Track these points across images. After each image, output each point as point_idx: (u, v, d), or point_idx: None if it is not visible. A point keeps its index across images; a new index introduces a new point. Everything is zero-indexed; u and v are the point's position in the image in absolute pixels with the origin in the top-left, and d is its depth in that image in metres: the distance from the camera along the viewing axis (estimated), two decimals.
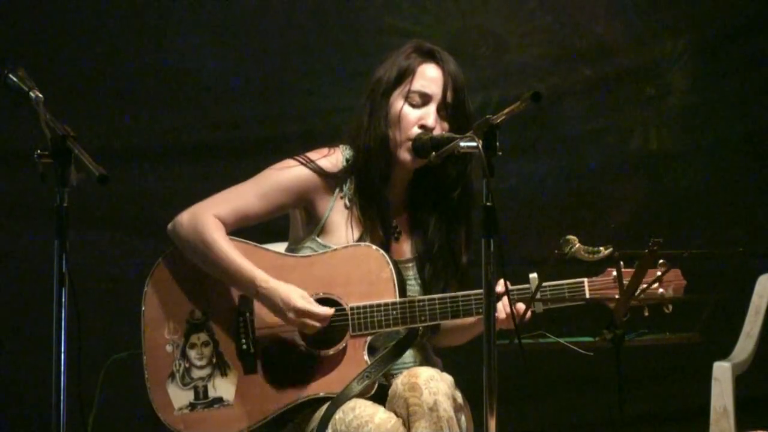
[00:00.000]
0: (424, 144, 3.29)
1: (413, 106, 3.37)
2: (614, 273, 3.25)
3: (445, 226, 3.43)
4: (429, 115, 3.35)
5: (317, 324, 3.27)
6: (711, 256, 3.19)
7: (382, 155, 3.37)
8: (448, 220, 3.43)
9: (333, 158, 3.42)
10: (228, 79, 4.95)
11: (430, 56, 3.41)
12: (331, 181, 3.41)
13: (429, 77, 3.39)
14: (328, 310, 3.28)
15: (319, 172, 3.40)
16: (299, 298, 3.28)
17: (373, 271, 3.32)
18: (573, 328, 3.30)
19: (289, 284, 3.30)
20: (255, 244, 3.41)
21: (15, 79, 2.88)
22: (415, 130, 3.34)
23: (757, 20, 5.19)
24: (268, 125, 4.97)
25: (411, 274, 3.43)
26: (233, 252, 3.32)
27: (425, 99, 3.37)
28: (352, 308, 3.31)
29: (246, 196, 3.39)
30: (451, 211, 3.43)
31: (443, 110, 3.38)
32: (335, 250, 3.36)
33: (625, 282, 3.15)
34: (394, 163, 3.39)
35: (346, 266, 3.33)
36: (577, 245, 3.19)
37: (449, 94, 3.37)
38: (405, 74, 3.39)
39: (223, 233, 3.34)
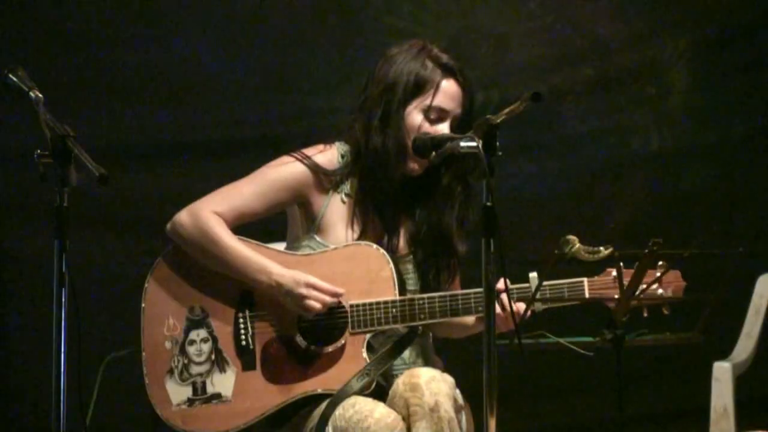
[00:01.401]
0: (424, 144, 3.30)
1: (431, 121, 3.37)
2: (614, 273, 3.25)
3: (437, 212, 3.42)
4: (444, 130, 3.36)
5: (327, 298, 3.27)
6: (711, 256, 3.18)
7: (397, 160, 3.37)
8: (442, 206, 3.42)
9: (329, 154, 3.42)
10: (228, 79, 4.95)
11: (450, 71, 3.40)
12: (327, 177, 3.41)
13: (450, 94, 3.38)
14: (336, 288, 3.28)
15: (315, 168, 3.40)
16: (308, 275, 3.29)
17: (373, 269, 3.33)
18: (573, 328, 3.30)
19: (296, 270, 3.32)
20: (256, 242, 3.41)
21: (15, 79, 2.88)
22: None
23: (758, 20, 5.20)
24: (268, 125, 4.97)
25: (410, 267, 3.43)
26: (240, 244, 3.34)
27: (443, 114, 3.38)
28: (351, 306, 3.32)
29: (242, 194, 3.39)
30: (446, 198, 3.42)
31: (455, 122, 3.39)
32: (336, 248, 3.37)
33: (625, 282, 3.15)
34: (402, 169, 3.39)
35: (347, 264, 3.34)
36: (577, 245, 3.19)
37: (464, 111, 3.39)
38: (425, 87, 3.37)
39: (225, 227, 3.35)
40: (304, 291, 3.27)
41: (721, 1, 5.20)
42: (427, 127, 3.36)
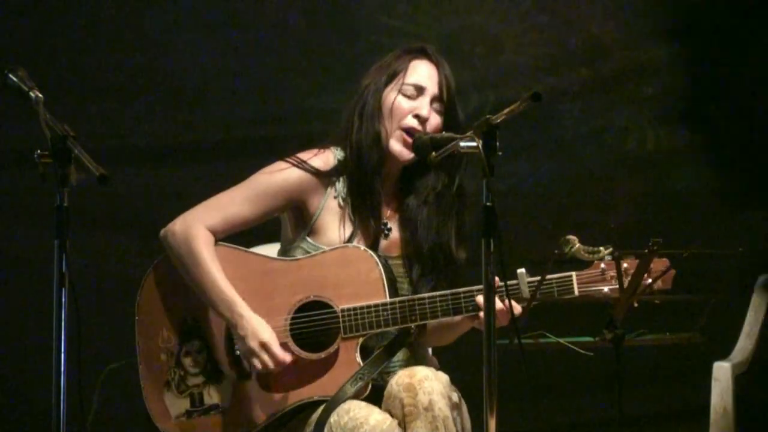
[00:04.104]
0: (423, 144, 3.29)
1: (407, 97, 3.37)
2: (602, 266, 3.25)
3: (435, 223, 3.41)
4: (423, 105, 3.35)
5: (271, 364, 3.26)
6: (711, 256, 3.18)
7: (374, 150, 3.36)
8: (439, 216, 3.42)
9: (324, 157, 3.41)
10: (226, 80, 4.95)
11: (422, 53, 3.42)
12: (322, 180, 3.40)
13: (422, 72, 3.39)
14: (286, 356, 3.27)
15: (311, 171, 3.39)
16: (268, 333, 3.27)
17: (362, 272, 3.31)
18: (573, 328, 3.30)
19: (261, 320, 3.29)
20: (244, 249, 3.41)
21: (15, 79, 2.87)
22: (409, 120, 3.35)
23: (754, 21, 5.19)
24: (265, 126, 4.97)
25: (402, 271, 3.42)
26: (219, 273, 3.31)
27: (420, 91, 3.37)
28: (342, 310, 3.30)
29: (238, 203, 3.37)
30: (442, 207, 3.42)
31: (436, 103, 3.38)
32: (324, 252, 3.35)
33: (613, 272, 3.15)
34: (386, 157, 3.38)
35: (336, 268, 3.32)
36: (577, 245, 3.19)
37: (443, 90, 3.38)
38: (397, 72, 3.40)
39: (211, 249, 3.33)
40: (255, 347, 3.25)
41: (716, 2, 5.20)
42: (403, 102, 3.36)
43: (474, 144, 2.86)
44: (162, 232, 3.38)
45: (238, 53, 4.96)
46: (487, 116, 2.85)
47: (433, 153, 3.17)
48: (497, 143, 2.84)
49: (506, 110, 2.84)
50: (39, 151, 2.79)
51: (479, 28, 5.11)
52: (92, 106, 4.83)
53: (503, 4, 5.12)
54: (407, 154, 3.36)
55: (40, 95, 2.83)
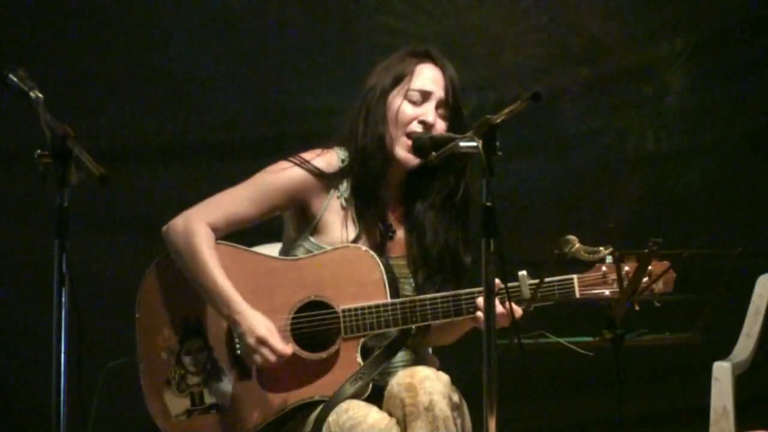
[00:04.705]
0: (424, 144, 3.29)
1: (413, 103, 3.37)
2: (603, 268, 3.26)
3: (442, 227, 3.41)
4: (429, 112, 3.35)
5: (272, 357, 3.24)
6: (711, 256, 3.18)
7: (379, 155, 3.36)
8: (445, 220, 3.42)
9: (327, 158, 3.41)
10: (226, 80, 4.95)
11: (426, 56, 3.42)
12: (326, 180, 3.40)
13: (428, 76, 3.39)
14: (287, 348, 3.26)
15: (314, 172, 3.39)
16: (265, 327, 3.26)
17: (363, 272, 3.31)
18: (573, 328, 3.30)
19: (259, 314, 3.28)
20: (245, 248, 3.40)
21: (15, 79, 2.87)
22: (414, 126, 3.35)
23: (754, 21, 5.19)
24: (266, 125, 4.97)
25: (405, 272, 3.42)
26: (217, 270, 3.30)
27: (425, 96, 3.37)
28: (343, 311, 3.30)
29: (240, 201, 3.37)
30: (449, 211, 3.42)
31: (442, 108, 3.38)
32: (325, 252, 3.35)
33: (614, 276, 3.15)
34: (391, 162, 3.38)
35: (337, 268, 3.32)
36: (577, 245, 3.19)
37: (448, 95, 3.38)
38: (402, 75, 3.39)
39: (212, 246, 3.32)
40: (253, 343, 3.24)
41: (717, 2, 5.20)
42: (408, 108, 3.36)
43: (474, 144, 2.86)
44: (164, 228, 3.39)
45: (238, 53, 4.96)
46: (487, 116, 2.85)
47: (433, 153, 3.18)
48: (497, 143, 2.84)
49: (506, 110, 2.84)
50: (39, 151, 2.79)
51: (479, 28, 5.11)
52: (92, 106, 4.83)
53: (503, 4, 5.12)
54: (413, 160, 3.36)
55: (40, 95, 2.83)
